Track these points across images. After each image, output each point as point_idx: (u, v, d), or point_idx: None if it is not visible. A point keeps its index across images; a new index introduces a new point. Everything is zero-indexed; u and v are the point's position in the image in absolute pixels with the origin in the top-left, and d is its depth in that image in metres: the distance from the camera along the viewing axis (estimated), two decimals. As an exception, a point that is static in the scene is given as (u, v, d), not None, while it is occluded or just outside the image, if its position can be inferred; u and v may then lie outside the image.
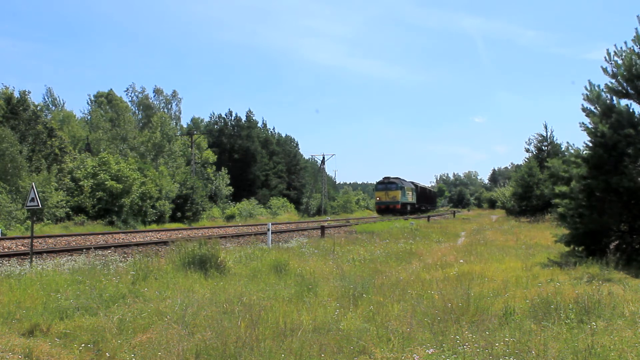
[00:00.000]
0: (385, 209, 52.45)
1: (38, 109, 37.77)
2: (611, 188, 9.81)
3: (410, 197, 58.47)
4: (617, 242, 10.48)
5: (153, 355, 4.47)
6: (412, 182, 63.03)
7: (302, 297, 6.86)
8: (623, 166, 9.77)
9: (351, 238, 17.96)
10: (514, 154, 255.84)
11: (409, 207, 56.89)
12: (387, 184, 54.08)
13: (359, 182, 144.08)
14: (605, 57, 10.25)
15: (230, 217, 44.67)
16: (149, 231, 23.77)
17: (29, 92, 36.72)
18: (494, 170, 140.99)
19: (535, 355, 4.23)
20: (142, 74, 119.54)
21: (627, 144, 9.67)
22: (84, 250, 12.85)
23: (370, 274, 9.17)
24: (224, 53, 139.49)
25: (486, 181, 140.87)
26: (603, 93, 10.24)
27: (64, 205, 28.11)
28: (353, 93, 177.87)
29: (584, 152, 10.50)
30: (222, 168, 56.24)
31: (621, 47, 10.09)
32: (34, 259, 10.87)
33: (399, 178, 56.43)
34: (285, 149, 74.12)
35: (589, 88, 10.33)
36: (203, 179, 51.56)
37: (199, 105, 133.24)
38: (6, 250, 14.01)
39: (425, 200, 70.92)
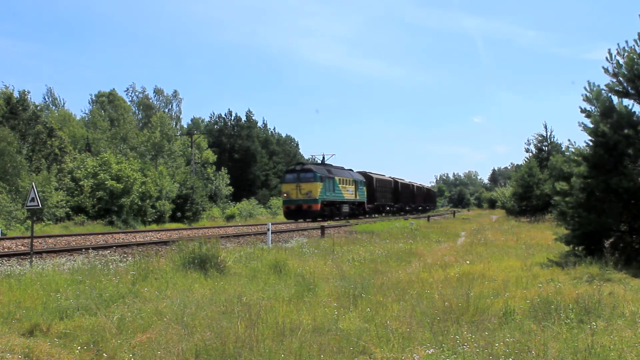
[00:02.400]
0: (296, 211, 33.54)
1: (38, 109, 37.85)
2: (611, 188, 9.80)
3: (350, 193, 39.19)
4: (617, 242, 10.48)
5: (153, 355, 4.47)
6: (362, 172, 44.63)
7: (301, 297, 6.86)
8: (623, 166, 9.76)
9: (351, 238, 17.95)
10: (514, 154, 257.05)
11: (345, 208, 37.89)
12: (299, 172, 34.40)
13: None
14: (606, 57, 10.22)
15: (230, 217, 44.68)
16: (149, 231, 23.75)
17: (29, 92, 36.80)
18: (494, 170, 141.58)
19: (535, 355, 4.23)
20: (142, 74, 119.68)
21: (628, 144, 9.66)
22: (84, 250, 12.84)
23: (370, 274, 9.16)
24: (224, 53, 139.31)
25: (486, 181, 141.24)
26: (603, 92, 10.22)
27: (64, 205, 28.14)
28: (353, 93, 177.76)
29: (585, 151, 10.49)
30: (222, 168, 56.27)
31: (623, 47, 10.07)
32: (34, 259, 10.86)
33: (327, 164, 38.95)
34: (285, 149, 74.17)
35: (588, 88, 10.31)
36: (203, 179, 51.57)
37: (199, 105, 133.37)
38: (6, 250, 14.00)
39: (395, 198, 52.80)
